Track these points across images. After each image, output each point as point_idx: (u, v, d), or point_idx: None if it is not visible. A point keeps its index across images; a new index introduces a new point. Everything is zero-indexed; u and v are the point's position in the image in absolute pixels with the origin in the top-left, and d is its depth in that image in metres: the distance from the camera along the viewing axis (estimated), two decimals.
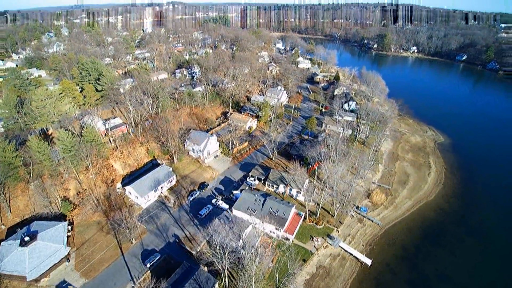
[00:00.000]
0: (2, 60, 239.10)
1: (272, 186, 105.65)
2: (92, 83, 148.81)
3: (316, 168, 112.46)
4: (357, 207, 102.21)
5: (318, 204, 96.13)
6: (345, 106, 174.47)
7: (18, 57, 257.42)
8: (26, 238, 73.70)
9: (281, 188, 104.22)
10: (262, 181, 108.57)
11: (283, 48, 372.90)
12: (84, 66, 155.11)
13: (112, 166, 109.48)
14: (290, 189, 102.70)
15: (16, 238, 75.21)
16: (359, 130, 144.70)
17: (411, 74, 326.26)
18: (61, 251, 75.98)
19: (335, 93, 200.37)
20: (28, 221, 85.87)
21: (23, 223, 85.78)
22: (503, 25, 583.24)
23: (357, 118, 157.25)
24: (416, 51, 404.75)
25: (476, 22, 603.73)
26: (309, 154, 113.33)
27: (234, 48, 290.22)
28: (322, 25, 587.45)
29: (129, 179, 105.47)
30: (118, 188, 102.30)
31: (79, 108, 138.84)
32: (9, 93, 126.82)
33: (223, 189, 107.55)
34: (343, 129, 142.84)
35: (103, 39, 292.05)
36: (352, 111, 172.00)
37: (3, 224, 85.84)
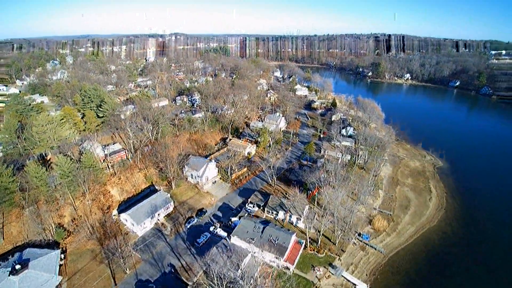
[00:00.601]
0: (6, 86, 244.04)
1: (272, 212, 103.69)
2: (93, 110, 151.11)
3: (316, 193, 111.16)
4: (359, 234, 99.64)
5: (319, 232, 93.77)
6: (343, 131, 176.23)
7: (22, 83, 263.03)
8: (17, 267, 70.90)
9: (281, 215, 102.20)
10: (261, 208, 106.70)
11: (281, 76, 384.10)
12: (87, 93, 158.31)
13: (109, 192, 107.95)
14: (290, 216, 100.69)
15: (7, 266, 72.31)
16: (358, 155, 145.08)
17: (406, 100, 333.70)
18: (53, 281, 72.77)
19: (333, 119, 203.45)
20: (20, 248, 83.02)
21: (16, 250, 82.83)
22: (493, 52, 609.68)
23: (355, 143, 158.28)
24: (409, 78, 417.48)
25: (467, 50, 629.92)
26: (309, 179, 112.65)
27: (234, 76, 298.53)
28: (318, 55, 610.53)
29: (125, 205, 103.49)
30: (114, 215, 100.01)
31: (79, 133, 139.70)
32: (11, 118, 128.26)
33: (221, 216, 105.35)
34: (342, 154, 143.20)
35: (107, 67, 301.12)
36: (350, 136, 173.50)
37: None
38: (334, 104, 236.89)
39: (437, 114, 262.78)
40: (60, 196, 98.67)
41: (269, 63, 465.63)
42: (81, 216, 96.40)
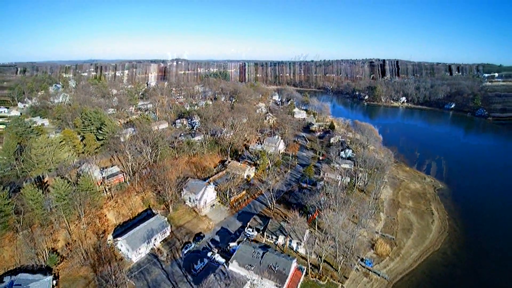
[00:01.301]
0: (7, 108, 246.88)
1: (271, 237, 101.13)
2: (93, 132, 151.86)
3: (316, 217, 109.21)
4: (362, 260, 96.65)
5: (320, 257, 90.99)
6: (342, 154, 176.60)
7: (24, 106, 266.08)
8: None
9: (281, 240, 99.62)
10: (261, 232, 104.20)
11: (279, 100, 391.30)
12: (87, 116, 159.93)
13: (105, 216, 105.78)
14: (290, 241, 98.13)
15: None
16: (357, 177, 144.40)
17: (403, 123, 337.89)
18: None
19: (331, 141, 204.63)
20: (12, 273, 79.79)
21: (7, 275, 79.40)
22: (486, 74, 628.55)
23: (354, 165, 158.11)
24: (405, 101, 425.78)
25: (460, 73, 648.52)
26: (309, 202, 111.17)
27: (233, 100, 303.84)
28: (315, 79, 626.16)
29: (121, 230, 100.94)
30: (109, 240, 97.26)
31: (78, 156, 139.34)
32: (10, 140, 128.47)
33: (219, 241, 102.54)
34: (342, 177, 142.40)
35: (108, 91, 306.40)
36: (349, 158, 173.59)
37: None
38: (332, 127, 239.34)
39: (434, 136, 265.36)
40: (55, 220, 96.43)
41: (267, 87, 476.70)
42: (75, 240, 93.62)
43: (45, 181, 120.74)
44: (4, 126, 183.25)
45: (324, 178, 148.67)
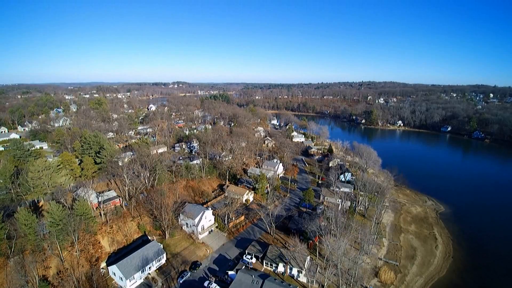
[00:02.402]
0: (7, 129, 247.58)
1: (271, 265, 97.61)
2: (91, 156, 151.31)
3: (317, 242, 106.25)
4: None
5: (322, 286, 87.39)
6: (341, 177, 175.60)
7: (24, 129, 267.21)
8: None
9: (281, 267, 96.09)
10: (260, 259, 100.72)
11: (277, 124, 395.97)
12: (87, 140, 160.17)
13: (99, 242, 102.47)
14: (291, 268, 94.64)
15: None
16: (358, 201, 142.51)
17: (401, 146, 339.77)
18: None
19: (330, 164, 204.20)
20: None
21: None
22: (481, 95, 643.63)
23: (354, 189, 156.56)
24: (402, 124, 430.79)
25: (455, 95, 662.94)
26: (309, 227, 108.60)
27: (232, 124, 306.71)
28: (313, 103, 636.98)
29: (115, 257, 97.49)
30: (102, 268, 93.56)
31: (75, 180, 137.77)
32: (7, 163, 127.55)
33: (217, 269, 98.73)
34: (342, 201, 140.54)
35: (109, 115, 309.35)
36: (348, 182, 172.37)
37: None
38: (330, 150, 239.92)
39: (433, 158, 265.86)
40: (48, 246, 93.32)
41: (266, 112, 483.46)
42: (67, 268, 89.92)
43: (40, 205, 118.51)
44: (3, 149, 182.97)
45: (324, 202, 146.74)
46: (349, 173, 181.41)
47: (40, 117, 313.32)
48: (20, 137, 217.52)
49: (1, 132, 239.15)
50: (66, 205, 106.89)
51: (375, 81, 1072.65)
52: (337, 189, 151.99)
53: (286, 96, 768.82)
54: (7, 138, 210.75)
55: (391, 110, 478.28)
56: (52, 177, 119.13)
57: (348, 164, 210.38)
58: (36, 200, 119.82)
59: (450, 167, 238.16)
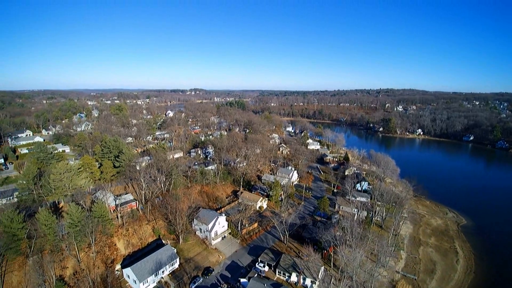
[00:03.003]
0: (32, 133, 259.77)
1: (284, 274, 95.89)
2: (111, 160, 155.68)
3: (332, 253, 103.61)
4: None
5: None
6: (358, 186, 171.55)
7: (48, 133, 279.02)
8: None
9: (294, 277, 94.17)
10: (273, 268, 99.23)
11: (293, 131, 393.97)
12: (107, 144, 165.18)
13: (115, 244, 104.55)
14: (304, 279, 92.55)
15: None
16: (375, 211, 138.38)
17: (420, 155, 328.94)
18: None
19: (346, 173, 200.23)
20: None
21: None
22: (505, 103, 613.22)
23: (371, 198, 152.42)
24: (421, 133, 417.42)
25: (478, 103, 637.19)
26: (323, 237, 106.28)
27: (247, 131, 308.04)
28: (329, 110, 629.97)
29: (130, 259, 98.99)
30: (117, 270, 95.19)
31: (95, 183, 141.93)
32: (31, 165, 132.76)
33: (229, 275, 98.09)
34: (358, 210, 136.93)
35: (129, 120, 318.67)
36: (365, 191, 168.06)
37: None
38: (346, 158, 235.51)
39: (454, 169, 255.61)
40: (66, 247, 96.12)
41: (281, 119, 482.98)
42: (83, 269, 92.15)
43: (60, 206, 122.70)
44: (28, 151, 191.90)
45: (339, 212, 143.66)
46: (365, 182, 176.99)
47: (63, 121, 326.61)
48: (44, 140, 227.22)
49: (26, 135, 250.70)
50: (85, 207, 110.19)
51: (394, 88, 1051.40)
52: (353, 198, 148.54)
53: (302, 103, 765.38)
54: (32, 141, 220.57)
55: (410, 118, 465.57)
56: (73, 180, 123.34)
57: (364, 173, 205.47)
58: (56, 201, 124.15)
59: (472, 178, 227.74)
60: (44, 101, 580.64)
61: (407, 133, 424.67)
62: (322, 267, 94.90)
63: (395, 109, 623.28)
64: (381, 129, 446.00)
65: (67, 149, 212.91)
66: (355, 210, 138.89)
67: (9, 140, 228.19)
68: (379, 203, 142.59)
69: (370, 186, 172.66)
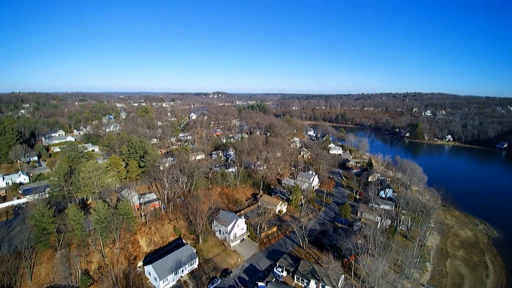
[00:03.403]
0: (65, 133, 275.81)
1: (302, 280, 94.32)
2: (136, 160, 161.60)
3: (352, 261, 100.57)
4: None
5: None
6: (381, 193, 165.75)
7: (79, 133, 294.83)
8: None
9: (312, 284, 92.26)
10: (291, 274, 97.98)
11: (314, 135, 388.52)
12: (133, 144, 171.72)
13: (138, 242, 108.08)
14: (323, 286, 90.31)
15: None
16: (400, 220, 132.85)
17: (450, 162, 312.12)
18: None
19: (369, 179, 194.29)
20: None
21: None
22: None
23: (395, 207, 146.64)
24: (451, 139, 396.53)
25: None
26: (344, 244, 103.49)
27: (268, 134, 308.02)
28: (352, 114, 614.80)
29: (151, 257, 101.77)
30: (139, 267, 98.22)
31: (121, 181, 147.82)
32: (62, 162, 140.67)
33: (247, 278, 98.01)
34: (381, 219, 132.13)
35: (154, 122, 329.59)
36: (389, 199, 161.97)
37: None
38: (370, 164, 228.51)
39: (486, 178, 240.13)
40: (92, 242, 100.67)
41: (302, 122, 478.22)
42: (107, 264, 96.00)
43: (88, 203, 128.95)
44: (60, 150, 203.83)
45: (362, 219, 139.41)
46: (390, 190, 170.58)
47: (93, 122, 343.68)
48: (75, 140, 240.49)
49: (59, 134, 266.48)
50: (111, 204, 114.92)
51: (421, 92, 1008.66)
52: (376, 206, 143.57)
53: (324, 107, 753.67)
54: (64, 141, 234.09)
55: (439, 123, 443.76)
56: (101, 178, 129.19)
57: (389, 179, 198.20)
58: (85, 198, 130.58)
59: (506, 188, 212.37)
60: (77, 103, 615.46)
61: (436, 139, 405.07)
62: (342, 276, 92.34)
63: (423, 113, 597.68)
64: (407, 134, 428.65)
65: (96, 149, 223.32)
66: (379, 218, 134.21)
67: (43, 139, 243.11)
68: (404, 211, 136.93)
69: (395, 194, 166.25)
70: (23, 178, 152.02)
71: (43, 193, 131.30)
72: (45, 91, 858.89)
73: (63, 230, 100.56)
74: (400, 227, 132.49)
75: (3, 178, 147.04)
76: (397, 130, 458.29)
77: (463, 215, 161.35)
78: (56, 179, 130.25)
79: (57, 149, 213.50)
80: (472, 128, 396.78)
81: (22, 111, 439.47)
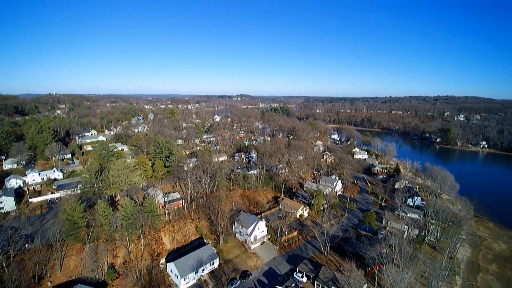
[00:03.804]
0: (97, 133, 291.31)
1: (323, 287, 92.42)
2: (162, 160, 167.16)
3: (376, 271, 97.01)
4: None
5: None
6: (409, 201, 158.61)
7: (110, 133, 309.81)
8: None
9: None
10: (311, 280, 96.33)
11: (338, 139, 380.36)
12: (159, 145, 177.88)
13: (161, 239, 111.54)
14: None
15: None
16: (428, 230, 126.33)
17: (484, 170, 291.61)
18: None
19: (396, 186, 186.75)
20: (72, 283, 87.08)
21: (68, 284, 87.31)
22: None
23: (424, 216, 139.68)
24: (486, 146, 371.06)
25: None
26: (368, 253, 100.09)
27: (291, 137, 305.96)
28: (379, 118, 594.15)
29: (174, 255, 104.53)
30: (161, 264, 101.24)
31: (147, 180, 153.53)
32: (94, 161, 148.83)
33: (266, 282, 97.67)
34: (408, 228, 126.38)
35: (180, 124, 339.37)
36: (417, 207, 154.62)
37: (50, 281, 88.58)
38: (397, 170, 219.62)
39: None
40: (118, 237, 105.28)
41: (326, 126, 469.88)
42: (132, 259, 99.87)
43: (116, 200, 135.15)
44: (92, 148, 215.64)
45: (387, 227, 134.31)
46: (418, 198, 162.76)
47: (123, 123, 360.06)
48: (106, 139, 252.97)
49: (91, 134, 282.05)
50: (137, 202, 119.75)
51: (454, 95, 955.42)
52: (403, 214, 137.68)
53: (349, 110, 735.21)
54: (96, 140, 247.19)
55: (473, 128, 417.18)
56: (129, 176, 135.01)
57: (417, 187, 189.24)
58: (113, 195, 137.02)
59: None
60: (108, 104, 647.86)
61: (469, 146, 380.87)
62: (365, 285, 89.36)
63: (456, 118, 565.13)
64: (438, 140, 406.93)
65: (125, 148, 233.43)
66: (405, 227, 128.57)
67: (77, 138, 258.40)
68: (433, 221, 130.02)
69: (424, 202, 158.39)
70: (57, 174, 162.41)
71: (75, 189, 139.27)
72: (79, 93, 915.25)
73: (92, 224, 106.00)
74: (429, 237, 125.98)
75: (39, 174, 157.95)
76: (427, 135, 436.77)
77: (498, 227, 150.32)
78: (87, 176, 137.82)
79: (89, 148, 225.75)
80: (509, 134, 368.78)
81: (58, 111, 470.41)
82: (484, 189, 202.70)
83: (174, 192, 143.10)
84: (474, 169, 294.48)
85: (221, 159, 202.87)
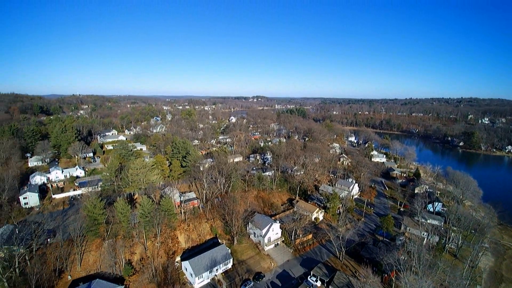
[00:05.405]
0: (117, 133, 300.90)
1: None
2: (179, 159, 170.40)
3: (393, 278, 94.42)
4: None
5: None
6: (429, 207, 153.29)
7: (129, 133, 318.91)
8: None
9: None
10: (325, 284, 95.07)
11: (355, 141, 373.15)
12: (176, 145, 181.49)
13: (177, 237, 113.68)
14: None
15: None
16: (449, 237, 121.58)
17: (510, 176, 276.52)
18: None
19: (416, 191, 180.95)
20: (91, 277, 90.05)
21: (87, 278, 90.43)
22: None
23: (445, 222, 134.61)
24: None
25: None
26: (385, 259, 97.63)
27: (306, 139, 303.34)
28: (398, 120, 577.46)
29: (189, 253, 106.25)
30: (176, 262, 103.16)
31: (164, 179, 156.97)
32: (114, 159, 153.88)
33: (279, 284, 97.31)
34: (428, 234, 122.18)
35: (196, 124, 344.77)
36: (438, 213, 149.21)
37: (70, 275, 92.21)
38: (417, 175, 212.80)
39: None
40: (136, 234, 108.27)
41: (343, 128, 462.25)
42: (148, 257, 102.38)
43: (134, 198, 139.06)
44: (112, 148, 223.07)
45: (406, 233, 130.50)
46: (439, 203, 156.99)
47: (142, 123, 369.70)
48: (126, 139, 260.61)
49: (112, 134, 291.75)
50: (154, 200, 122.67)
51: (478, 97, 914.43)
52: (423, 220, 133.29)
53: (367, 112, 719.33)
54: (116, 139, 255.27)
55: (498, 132, 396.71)
56: (147, 175, 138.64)
57: (438, 192, 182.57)
58: (132, 193, 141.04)
59: None
60: (128, 105, 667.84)
61: (494, 150, 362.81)
62: None
63: (480, 121, 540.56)
64: (461, 143, 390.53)
65: (144, 148, 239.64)
66: (425, 233, 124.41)
67: (98, 137, 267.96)
68: (454, 228, 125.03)
69: (445, 208, 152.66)
70: (79, 172, 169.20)
71: (96, 186, 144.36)
72: (101, 94, 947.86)
73: (111, 221, 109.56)
74: (449, 245, 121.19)
75: (62, 171, 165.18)
76: (449, 138, 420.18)
77: None
78: (108, 174, 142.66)
79: (110, 147, 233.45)
80: None
81: (81, 111, 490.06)
82: (509, 196, 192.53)
83: (190, 192, 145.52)
84: (498, 174, 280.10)
85: (236, 160, 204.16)
